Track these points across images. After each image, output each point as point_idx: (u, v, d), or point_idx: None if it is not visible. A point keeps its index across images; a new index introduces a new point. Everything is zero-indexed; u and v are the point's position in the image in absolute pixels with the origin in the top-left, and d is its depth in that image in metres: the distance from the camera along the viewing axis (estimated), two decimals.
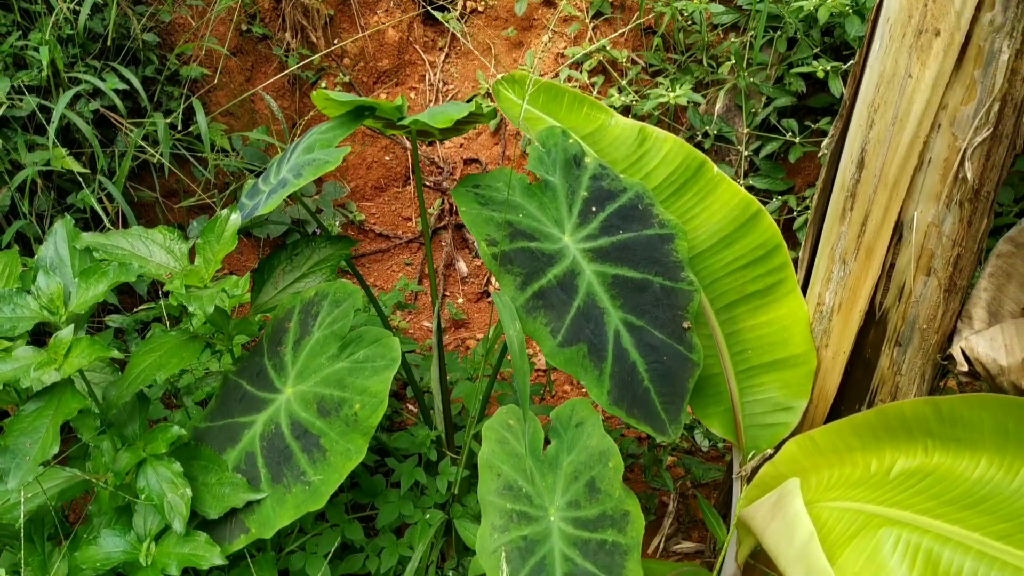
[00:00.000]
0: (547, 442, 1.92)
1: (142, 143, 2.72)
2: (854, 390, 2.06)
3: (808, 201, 3.29)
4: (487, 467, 1.85)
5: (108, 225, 2.58)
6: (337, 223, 3.36)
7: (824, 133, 3.25)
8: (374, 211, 3.71)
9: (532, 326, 1.88)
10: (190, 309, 1.69)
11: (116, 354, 1.69)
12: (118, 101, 2.63)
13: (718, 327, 2.08)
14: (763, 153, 3.36)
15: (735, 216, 2.14)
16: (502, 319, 1.85)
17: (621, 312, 1.91)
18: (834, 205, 2.00)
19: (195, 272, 1.82)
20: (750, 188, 3.35)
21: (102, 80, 2.68)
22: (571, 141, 2.10)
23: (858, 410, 2.06)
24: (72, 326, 1.75)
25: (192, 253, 1.94)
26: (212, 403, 1.98)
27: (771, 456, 1.98)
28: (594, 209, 2.03)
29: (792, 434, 2.03)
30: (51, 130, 2.44)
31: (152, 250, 1.89)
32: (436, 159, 3.74)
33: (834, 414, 2.09)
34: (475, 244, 3.52)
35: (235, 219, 1.88)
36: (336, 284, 1.97)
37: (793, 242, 3.30)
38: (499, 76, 2.37)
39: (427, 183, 3.72)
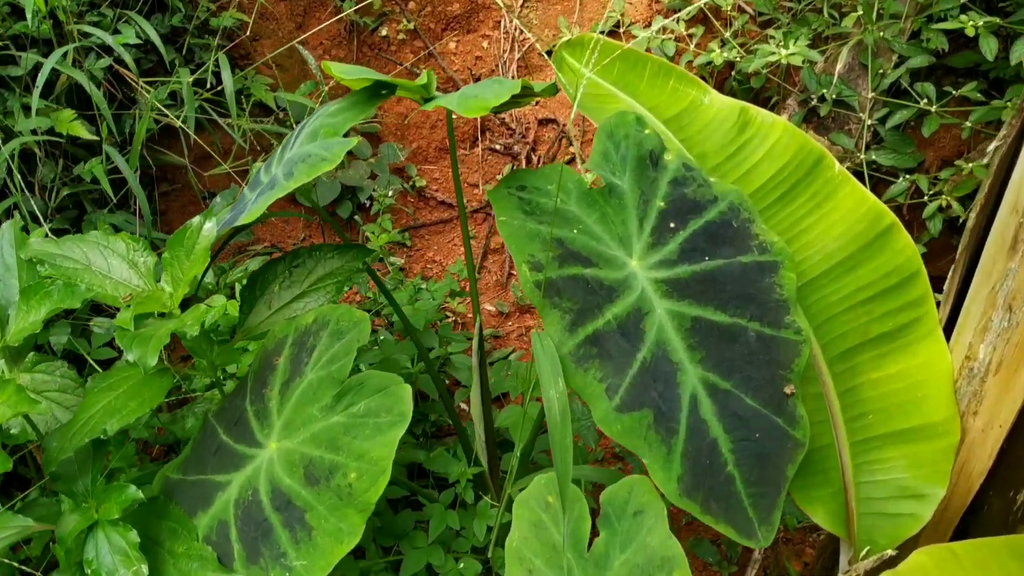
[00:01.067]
0: (595, 532, 1.44)
1: (160, 106, 2.30)
2: (1011, 475, 1.50)
3: (943, 184, 2.66)
4: (516, 559, 1.40)
5: (113, 202, 2.18)
6: (390, 192, 2.90)
7: (968, 101, 2.60)
8: (437, 176, 3.23)
9: (582, 381, 1.39)
10: (128, 358, 1.26)
11: (41, 409, 1.29)
12: (128, 57, 2.20)
13: (831, 382, 1.55)
14: (890, 123, 2.73)
15: (861, 231, 1.59)
16: (540, 373, 1.37)
17: (701, 369, 1.40)
18: (1000, 231, 1.43)
19: (154, 297, 1.39)
20: (872, 164, 2.74)
21: (117, 32, 2.26)
22: (647, 132, 1.56)
23: (1014, 500, 1.51)
24: (2, 362, 1.36)
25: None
26: (187, 448, 1.57)
27: (892, 560, 1.46)
28: (672, 225, 1.50)
29: (923, 530, 1.51)
30: (35, 91, 2.03)
31: (111, 263, 1.47)
32: (506, 119, 3.23)
33: (978, 504, 1.55)
34: None
35: (209, 229, 1.44)
36: (339, 310, 1.51)
37: (920, 227, 2.69)
38: (566, 38, 1.84)
39: (496, 146, 3.21)
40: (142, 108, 2.41)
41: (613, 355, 1.40)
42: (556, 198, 1.47)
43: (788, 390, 1.40)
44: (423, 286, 2.53)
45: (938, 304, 1.62)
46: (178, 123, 2.31)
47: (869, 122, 2.75)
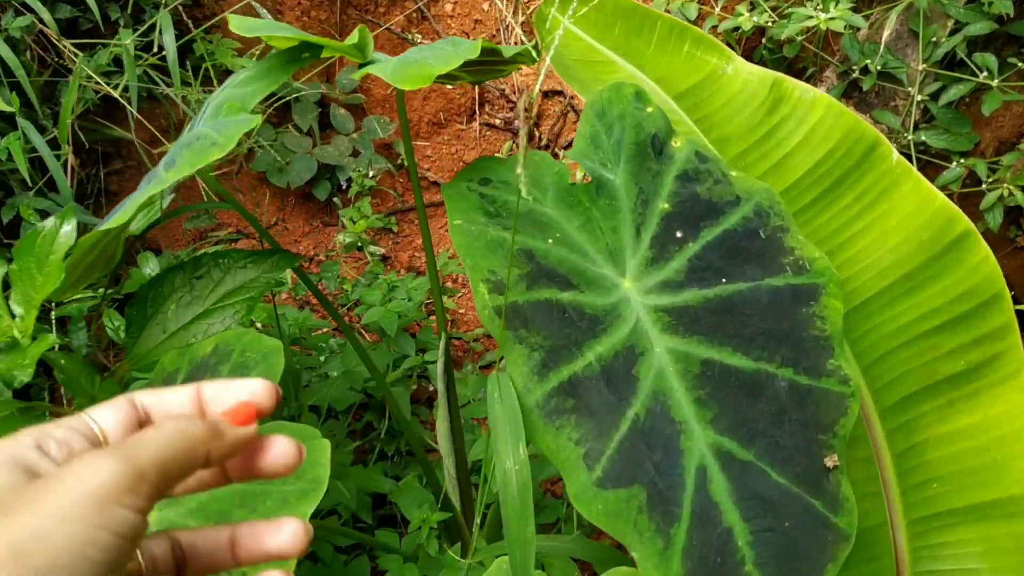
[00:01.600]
0: None
1: (92, 73, 1.93)
2: None
3: (1004, 170, 2.26)
4: None
5: (39, 184, 1.83)
6: (371, 173, 2.53)
7: None
8: (429, 153, 2.85)
9: (553, 442, 1.02)
10: None
11: None
12: (46, 13, 1.84)
13: (883, 441, 1.17)
14: (943, 99, 2.33)
15: (926, 240, 1.20)
16: (494, 433, 1.01)
17: (713, 432, 1.03)
18: None
19: None
20: (920, 146, 2.34)
21: None
22: (649, 111, 1.18)
23: None
24: None
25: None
26: None
27: None
28: (680, 235, 1.12)
29: None
30: None
31: None
32: (506, 90, 2.83)
33: None
34: None
35: (67, 233, 1.08)
36: (245, 338, 1.15)
37: (975, 218, 2.28)
38: None
39: (495, 121, 2.82)
40: (87, 72, 2.05)
41: (595, 410, 1.02)
42: (518, 196, 1.09)
43: (829, 462, 1.02)
44: (398, 284, 2.16)
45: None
46: (115, 93, 1.95)
47: (919, 98, 2.35)
